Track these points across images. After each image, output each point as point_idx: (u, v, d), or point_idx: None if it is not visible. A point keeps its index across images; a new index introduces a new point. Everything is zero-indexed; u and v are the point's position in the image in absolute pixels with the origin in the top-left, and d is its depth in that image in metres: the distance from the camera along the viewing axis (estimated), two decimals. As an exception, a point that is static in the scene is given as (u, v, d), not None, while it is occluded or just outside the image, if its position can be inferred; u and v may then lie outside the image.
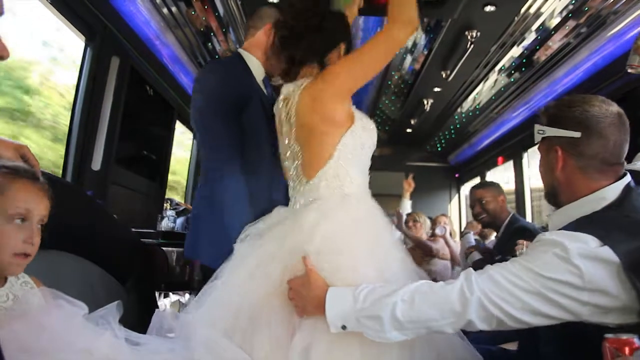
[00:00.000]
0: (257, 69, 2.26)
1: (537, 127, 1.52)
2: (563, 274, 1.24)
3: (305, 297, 1.50)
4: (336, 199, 1.76)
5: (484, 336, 2.40)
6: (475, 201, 3.37)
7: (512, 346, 1.96)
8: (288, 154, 1.86)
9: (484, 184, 3.67)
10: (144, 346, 1.37)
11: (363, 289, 1.43)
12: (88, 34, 2.96)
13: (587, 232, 1.28)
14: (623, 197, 1.40)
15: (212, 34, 3.78)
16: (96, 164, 3.05)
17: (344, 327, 1.41)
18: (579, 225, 1.34)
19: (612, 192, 1.41)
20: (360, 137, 1.82)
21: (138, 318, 2.06)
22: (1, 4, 1.02)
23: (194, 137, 5.35)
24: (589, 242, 1.26)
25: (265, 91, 2.27)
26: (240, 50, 2.27)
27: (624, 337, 1.07)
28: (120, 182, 3.44)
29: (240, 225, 1.84)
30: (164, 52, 3.84)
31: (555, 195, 1.53)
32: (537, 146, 1.58)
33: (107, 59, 3.12)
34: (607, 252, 1.23)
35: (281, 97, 1.89)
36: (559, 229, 1.36)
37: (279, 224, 1.78)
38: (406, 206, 5.31)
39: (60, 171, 2.94)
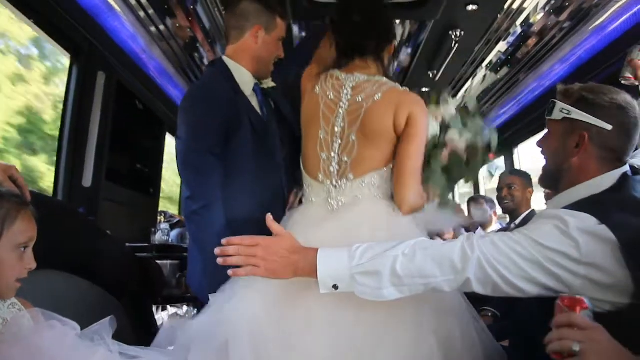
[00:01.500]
0: (246, 80, 2.12)
1: (560, 104, 1.49)
2: (561, 245, 1.27)
3: (291, 259, 1.44)
4: (386, 201, 1.85)
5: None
6: (504, 185, 3.38)
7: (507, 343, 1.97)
8: (336, 145, 1.87)
9: (517, 171, 3.67)
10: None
11: (358, 247, 1.41)
12: (73, 51, 2.96)
13: (586, 212, 1.30)
14: (621, 182, 1.42)
15: (198, 45, 3.78)
16: (87, 180, 3.05)
17: (335, 287, 1.39)
18: (578, 206, 1.37)
19: (610, 178, 1.43)
20: None
21: (136, 333, 2.07)
22: None
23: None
24: (587, 220, 1.28)
25: (256, 104, 2.14)
26: (225, 59, 2.12)
27: (578, 296, 1.13)
28: (111, 198, 3.43)
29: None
30: (150, 66, 3.84)
31: (558, 179, 1.53)
32: (547, 122, 1.57)
33: (94, 75, 3.12)
34: (605, 230, 1.25)
35: (349, 84, 1.91)
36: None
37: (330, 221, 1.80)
38: None
39: (51, 189, 2.93)
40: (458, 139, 2.07)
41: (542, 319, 1.19)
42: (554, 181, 1.56)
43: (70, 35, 2.86)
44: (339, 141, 1.87)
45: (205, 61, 4.09)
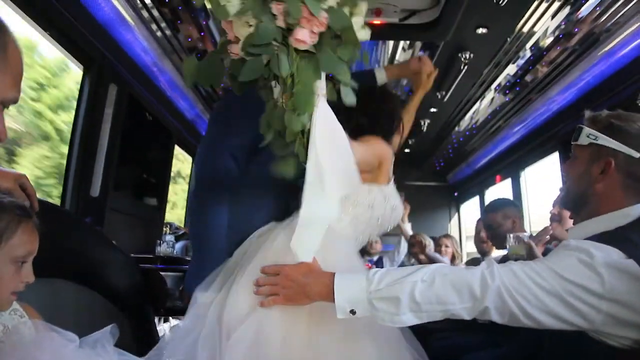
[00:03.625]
0: None
1: (587, 130, 1.47)
2: (584, 279, 1.23)
3: (305, 285, 1.46)
4: None
5: (487, 357, 2.41)
6: (486, 227, 3.36)
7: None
8: None
9: (492, 208, 3.66)
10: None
11: (376, 271, 1.40)
12: (86, 62, 3.00)
13: (612, 245, 1.27)
14: None
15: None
16: (95, 190, 3.07)
17: (352, 312, 1.38)
18: (604, 238, 1.33)
19: (638, 209, 1.40)
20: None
21: (137, 344, 2.07)
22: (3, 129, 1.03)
23: (193, 161, 5.38)
24: (614, 254, 1.25)
25: None
26: None
27: None
28: (118, 208, 3.44)
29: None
30: (161, 79, 3.88)
31: (581, 204, 1.51)
32: (572, 147, 1.54)
33: (105, 87, 3.15)
34: (632, 265, 1.22)
35: None
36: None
37: None
38: (408, 230, 5.29)
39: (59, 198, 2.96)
40: None
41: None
42: (575, 205, 1.54)
43: (84, 47, 2.90)
44: None
45: (216, 75, 4.13)
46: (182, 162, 5.85)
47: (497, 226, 3.15)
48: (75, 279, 2.09)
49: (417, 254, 4.78)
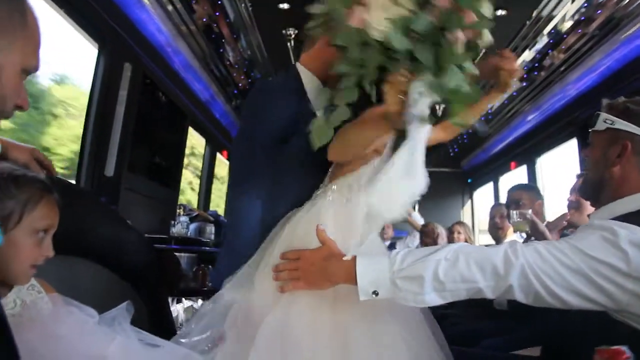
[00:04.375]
0: (313, 85, 1.91)
1: (603, 115, 1.47)
2: (609, 257, 1.22)
3: (325, 268, 1.45)
4: None
5: (500, 344, 2.40)
6: (512, 202, 3.35)
7: (528, 352, 1.94)
8: None
9: (522, 186, 3.64)
10: (157, 349, 1.36)
11: (398, 252, 1.38)
12: (100, 40, 2.99)
13: (636, 224, 1.25)
14: None
15: (223, 40, 3.80)
16: (109, 170, 3.07)
17: (375, 294, 1.36)
18: (627, 218, 1.32)
19: None
20: None
21: (151, 323, 2.07)
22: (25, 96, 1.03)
23: (207, 143, 5.38)
24: (638, 232, 1.23)
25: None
26: (297, 65, 1.93)
27: (615, 347, 1.06)
28: (133, 188, 3.45)
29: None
30: (175, 59, 3.86)
31: (599, 189, 1.50)
32: (590, 135, 1.53)
33: (120, 66, 3.15)
34: None
35: None
36: None
37: None
38: (417, 220, 5.27)
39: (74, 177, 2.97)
40: None
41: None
42: (594, 191, 1.53)
43: (98, 25, 2.89)
44: None
45: (230, 56, 4.12)
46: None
47: (523, 204, 3.17)
48: (89, 256, 2.09)
49: (429, 244, 4.76)
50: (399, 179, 1.58)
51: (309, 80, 1.89)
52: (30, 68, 0.98)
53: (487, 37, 1.48)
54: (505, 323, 2.83)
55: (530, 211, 3.01)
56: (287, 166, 1.85)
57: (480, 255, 1.32)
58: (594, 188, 1.52)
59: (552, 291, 1.25)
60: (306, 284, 1.47)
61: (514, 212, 2.77)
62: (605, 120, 1.45)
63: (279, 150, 1.84)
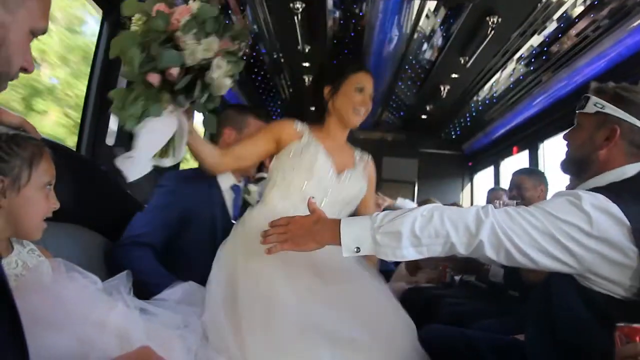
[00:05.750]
0: (226, 178, 2.33)
1: (594, 99, 1.54)
2: (573, 217, 1.32)
3: (313, 230, 1.55)
4: None
5: (496, 326, 2.40)
6: (514, 186, 3.35)
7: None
8: None
9: (525, 170, 3.64)
10: (157, 317, 1.38)
11: (378, 213, 1.50)
12: (104, 5, 2.93)
13: (600, 193, 1.35)
14: None
15: (230, 11, 3.74)
16: (111, 139, 3.04)
17: (357, 250, 1.48)
18: (594, 190, 1.41)
19: (632, 168, 1.49)
20: None
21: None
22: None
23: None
24: (600, 198, 1.33)
25: (230, 201, 2.33)
26: None
27: (635, 325, 1.09)
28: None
29: None
30: (180, 27, 3.80)
31: (583, 169, 1.58)
32: (577, 115, 1.62)
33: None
34: (617, 210, 1.31)
35: None
36: None
37: None
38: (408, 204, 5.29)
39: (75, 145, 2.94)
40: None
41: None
42: (577, 168, 1.61)
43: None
44: None
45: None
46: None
47: (526, 189, 3.19)
48: (88, 224, 2.09)
49: None
50: None
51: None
52: (38, 30, 0.96)
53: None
54: (499, 306, 2.85)
55: (510, 202, 3.03)
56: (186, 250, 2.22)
57: (453, 213, 1.43)
58: (577, 164, 1.61)
59: (521, 249, 1.35)
60: (293, 244, 1.57)
61: (499, 202, 2.80)
62: (595, 104, 1.54)
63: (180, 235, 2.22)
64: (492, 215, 1.37)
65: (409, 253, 1.43)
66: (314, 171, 2.02)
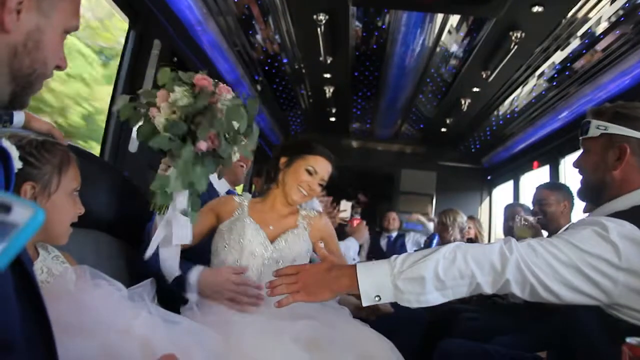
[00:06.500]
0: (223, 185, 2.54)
1: (595, 122, 1.52)
2: (600, 250, 1.28)
3: (327, 278, 1.46)
4: None
5: (514, 342, 2.38)
6: (536, 201, 3.31)
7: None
8: None
9: (550, 185, 3.58)
10: (178, 325, 1.38)
11: (397, 256, 1.43)
12: (132, 15, 2.98)
13: (625, 219, 1.31)
14: None
15: (253, 21, 3.78)
16: (133, 146, 3.08)
17: (377, 298, 1.40)
18: (619, 215, 1.37)
19: None
20: None
21: (172, 298, 2.09)
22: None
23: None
24: (627, 226, 1.29)
25: None
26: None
27: None
28: (156, 165, 3.44)
29: None
30: (204, 39, 3.85)
31: (598, 191, 1.54)
32: (581, 142, 1.60)
33: (150, 42, 3.14)
34: None
35: None
36: None
37: None
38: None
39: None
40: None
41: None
42: (594, 194, 1.57)
43: (129, 0, 2.89)
44: None
45: (259, 37, 4.10)
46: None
47: (548, 204, 3.13)
48: (110, 231, 2.11)
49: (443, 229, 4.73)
50: None
51: None
52: (70, 28, 0.98)
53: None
54: (519, 320, 2.82)
55: (531, 219, 2.98)
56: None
57: (476, 252, 1.37)
58: (593, 190, 1.58)
59: (546, 285, 1.31)
60: (306, 295, 1.48)
61: (518, 217, 2.75)
62: (598, 127, 1.51)
63: None
64: (517, 251, 1.33)
65: (433, 298, 1.37)
66: (244, 245, 2.02)
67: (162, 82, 1.63)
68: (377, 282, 1.39)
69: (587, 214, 1.63)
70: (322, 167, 2.16)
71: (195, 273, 1.95)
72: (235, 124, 1.68)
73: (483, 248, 1.39)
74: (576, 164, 1.62)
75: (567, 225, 3.21)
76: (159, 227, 1.74)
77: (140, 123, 1.64)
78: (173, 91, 1.61)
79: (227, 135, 1.67)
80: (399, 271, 1.37)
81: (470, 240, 4.93)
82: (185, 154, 1.60)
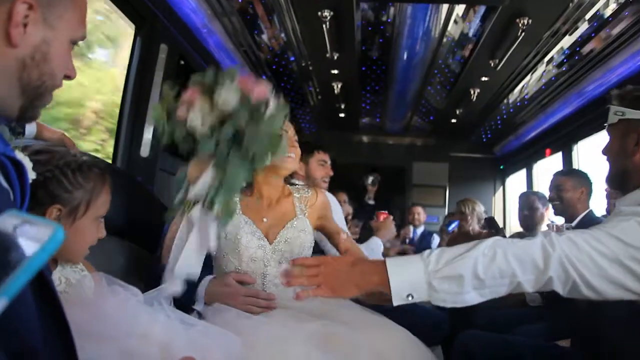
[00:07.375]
0: None
1: (613, 108, 1.49)
2: None
3: (353, 273, 1.37)
4: None
5: (533, 332, 2.37)
6: (553, 187, 3.28)
7: (565, 343, 1.91)
8: None
9: (567, 171, 3.55)
10: (196, 328, 1.38)
11: (430, 252, 1.34)
12: (138, 21, 3.00)
13: None
14: None
15: (258, 21, 3.78)
16: (145, 150, 3.10)
17: (410, 296, 1.31)
18: None
19: None
20: None
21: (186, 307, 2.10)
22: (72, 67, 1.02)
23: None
24: None
25: None
26: None
27: None
28: (168, 169, 3.47)
29: None
30: (210, 41, 3.86)
31: (625, 179, 1.50)
32: (606, 128, 1.57)
33: (156, 46, 3.15)
34: None
35: None
36: None
37: None
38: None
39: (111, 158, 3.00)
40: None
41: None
42: (620, 180, 1.54)
43: (135, 5, 2.90)
44: None
45: (265, 36, 4.10)
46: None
47: (565, 190, 3.10)
48: (126, 236, 2.12)
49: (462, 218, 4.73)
50: None
51: None
52: (78, 38, 0.98)
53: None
54: (537, 311, 2.80)
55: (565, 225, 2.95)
56: None
57: (517, 248, 1.30)
58: (619, 178, 1.54)
59: (588, 281, 1.25)
60: (330, 290, 1.38)
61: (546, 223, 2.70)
62: (616, 113, 1.49)
63: None
64: (559, 246, 1.26)
65: (471, 298, 1.30)
66: (242, 252, 1.91)
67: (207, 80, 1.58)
68: (410, 281, 1.31)
69: (613, 201, 1.60)
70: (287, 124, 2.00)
71: (203, 285, 1.89)
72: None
73: (524, 244, 1.31)
74: (603, 152, 1.60)
75: (583, 214, 3.18)
76: (192, 235, 1.60)
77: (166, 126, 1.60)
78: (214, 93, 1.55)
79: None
80: (434, 269, 1.29)
81: None
82: (232, 159, 1.49)
